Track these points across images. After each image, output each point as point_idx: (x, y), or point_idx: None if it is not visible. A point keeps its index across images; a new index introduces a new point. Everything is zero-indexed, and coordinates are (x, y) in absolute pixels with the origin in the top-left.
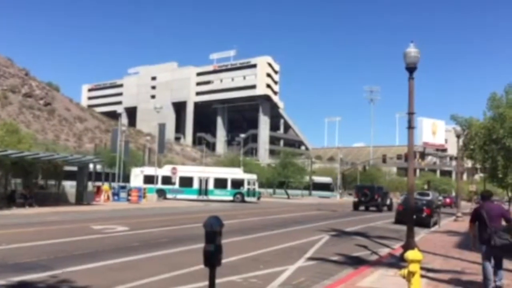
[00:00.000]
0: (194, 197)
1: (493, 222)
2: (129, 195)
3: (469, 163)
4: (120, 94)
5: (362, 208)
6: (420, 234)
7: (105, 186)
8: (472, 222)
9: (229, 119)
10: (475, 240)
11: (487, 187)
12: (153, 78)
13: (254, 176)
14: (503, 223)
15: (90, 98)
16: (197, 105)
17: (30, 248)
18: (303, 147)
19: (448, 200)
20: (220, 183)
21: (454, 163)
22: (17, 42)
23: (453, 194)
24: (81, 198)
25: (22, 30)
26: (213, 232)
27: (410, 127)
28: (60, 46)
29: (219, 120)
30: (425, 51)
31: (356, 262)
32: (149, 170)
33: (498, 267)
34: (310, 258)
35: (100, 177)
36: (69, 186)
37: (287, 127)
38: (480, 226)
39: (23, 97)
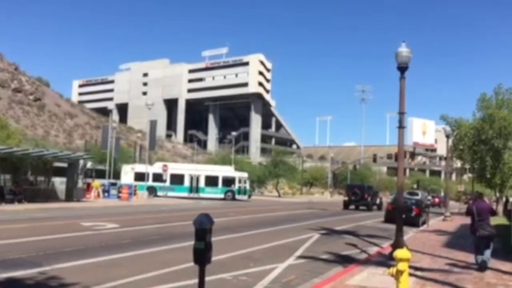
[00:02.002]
0: (185, 194)
1: (482, 217)
2: (119, 192)
3: (458, 163)
4: (111, 90)
5: (352, 207)
6: (409, 233)
7: (96, 182)
8: (467, 215)
9: (220, 117)
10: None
11: (475, 187)
12: (145, 75)
13: (245, 174)
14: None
15: (80, 94)
16: (188, 102)
17: (19, 245)
18: (294, 146)
19: (437, 199)
20: (211, 181)
21: (443, 163)
22: (6, 37)
23: (442, 194)
24: (71, 194)
25: (12, 24)
26: (203, 230)
27: (401, 126)
28: (51, 41)
29: (211, 118)
30: (417, 51)
31: (346, 260)
32: (140, 167)
33: (486, 248)
34: (300, 257)
35: (91, 174)
36: (59, 182)
37: (278, 125)
38: (471, 219)
39: (12, 92)
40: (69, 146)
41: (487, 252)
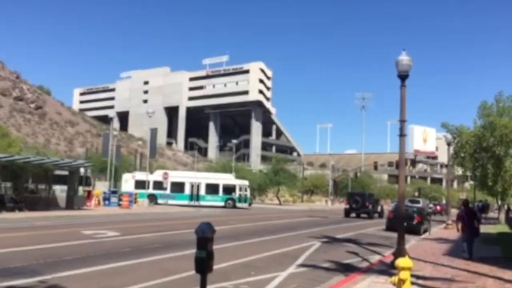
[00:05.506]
0: (186, 202)
1: (469, 220)
2: (120, 200)
3: (459, 171)
4: (112, 98)
5: (353, 215)
6: (411, 241)
7: (96, 190)
8: (458, 220)
9: (221, 125)
10: (458, 227)
11: (477, 195)
12: (146, 83)
13: (245, 182)
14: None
15: (81, 102)
16: (189, 110)
17: (20, 253)
18: (295, 153)
19: (438, 207)
20: (212, 189)
21: (444, 170)
22: (8, 45)
23: (444, 201)
24: (72, 202)
25: (13, 32)
26: (204, 238)
27: (402, 134)
28: (52, 49)
29: (211, 126)
30: (417, 57)
31: (347, 269)
32: (141, 175)
33: (471, 246)
34: (302, 265)
35: (91, 182)
36: (60, 190)
37: (279, 133)
38: (462, 222)
39: (14, 101)
40: (70, 154)
41: (473, 249)
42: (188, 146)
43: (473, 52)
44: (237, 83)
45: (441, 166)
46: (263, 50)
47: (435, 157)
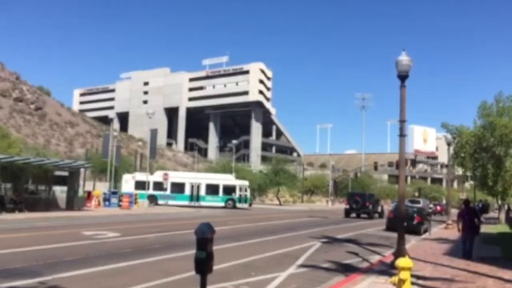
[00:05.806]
0: (186, 203)
1: (469, 219)
2: (120, 201)
3: (459, 171)
4: (112, 99)
5: (353, 215)
6: (411, 242)
7: (96, 191)
8: (458, 219)
9: (221, 125)
10: (459, 227)
11: (477, 195)
12: (146, 83)
13: (245, 183)
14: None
15: (81, 102)
16: (189, 111)
17: (20, 254)
18: (295, 154)
19: (438, 207)
20: (212, 189)
21: (444, 170)
22: (8, 46)
23: (444, 201)
24: (72, 203)
25: (13, 32)
26: (204, 239)
27: (402, 135)
28: (52, 49)
29: (211, 126)
30: (417, 58)
31: (347, 269)
32: (141, 176)
33: (471, 245)
34: (302, 265)
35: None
36: (60, 191)
37: (279, 133)
38: (462, 221)
39: (13, 101)
40: (70, 155)
41: (472, 248)
42: (188, 147)
43: (473, 52)
44: (237, 84)
45: (441, 166)
46: (263, 50)
47: (435, 157)
